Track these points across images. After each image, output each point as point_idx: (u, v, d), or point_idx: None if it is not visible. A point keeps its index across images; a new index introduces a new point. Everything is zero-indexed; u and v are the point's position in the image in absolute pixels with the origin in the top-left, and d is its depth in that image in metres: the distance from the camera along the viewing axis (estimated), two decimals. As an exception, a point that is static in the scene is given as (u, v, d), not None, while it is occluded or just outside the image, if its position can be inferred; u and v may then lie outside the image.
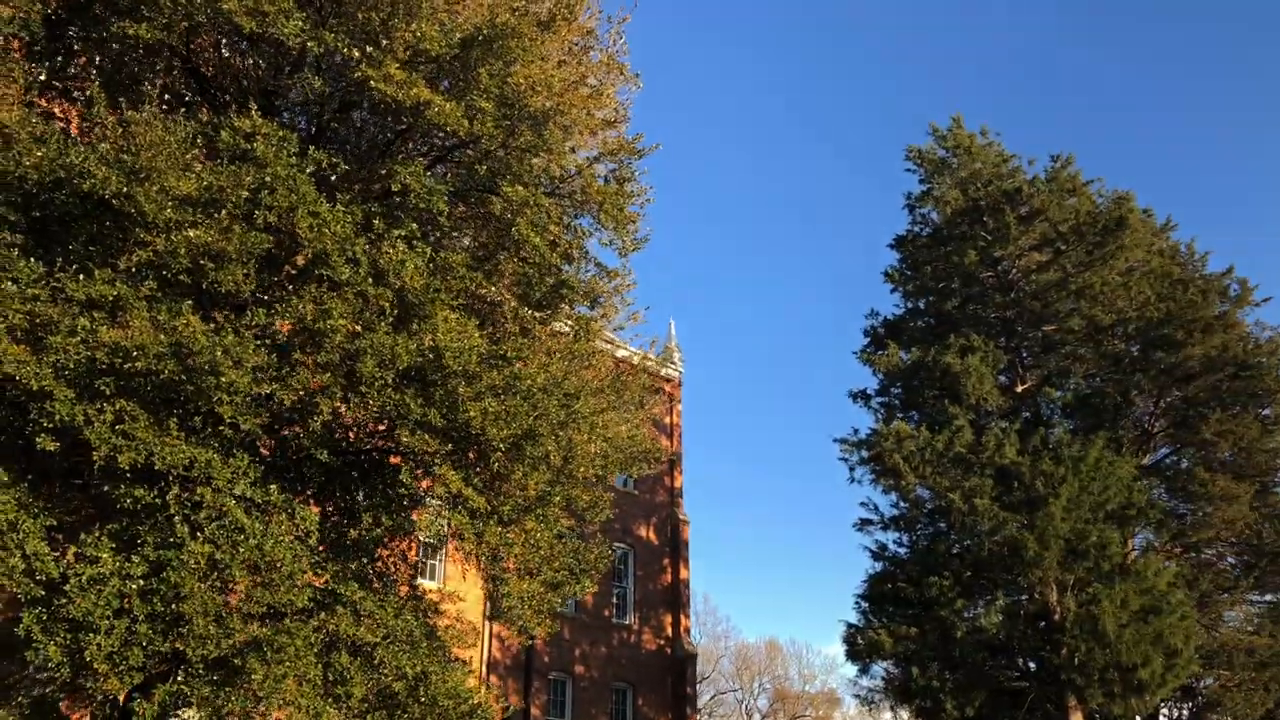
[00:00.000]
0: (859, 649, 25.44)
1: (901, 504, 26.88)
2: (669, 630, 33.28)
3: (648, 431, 18.52)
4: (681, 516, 35.15)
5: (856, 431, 27.90)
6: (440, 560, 26.78)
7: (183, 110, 13.67)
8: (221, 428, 11.91)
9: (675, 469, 35.60)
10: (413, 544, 17.15)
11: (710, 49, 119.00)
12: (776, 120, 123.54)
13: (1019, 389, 28.51)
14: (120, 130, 11.16)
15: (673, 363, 36.84)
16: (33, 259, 10.76)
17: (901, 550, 27.13)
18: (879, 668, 26.10)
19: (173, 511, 11.83)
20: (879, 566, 27.06)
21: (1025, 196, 29.04)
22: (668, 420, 35.85)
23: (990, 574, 25.04)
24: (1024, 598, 25.36)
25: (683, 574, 34.45)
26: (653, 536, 34.19)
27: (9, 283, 10.33)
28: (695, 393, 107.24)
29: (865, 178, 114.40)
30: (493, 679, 27.08)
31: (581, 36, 15.80)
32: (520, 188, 14.97)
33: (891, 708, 27.33)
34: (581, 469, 13.98)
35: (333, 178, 14.44)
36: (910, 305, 30.46)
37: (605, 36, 16.24)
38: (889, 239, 30.93)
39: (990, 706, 24.46)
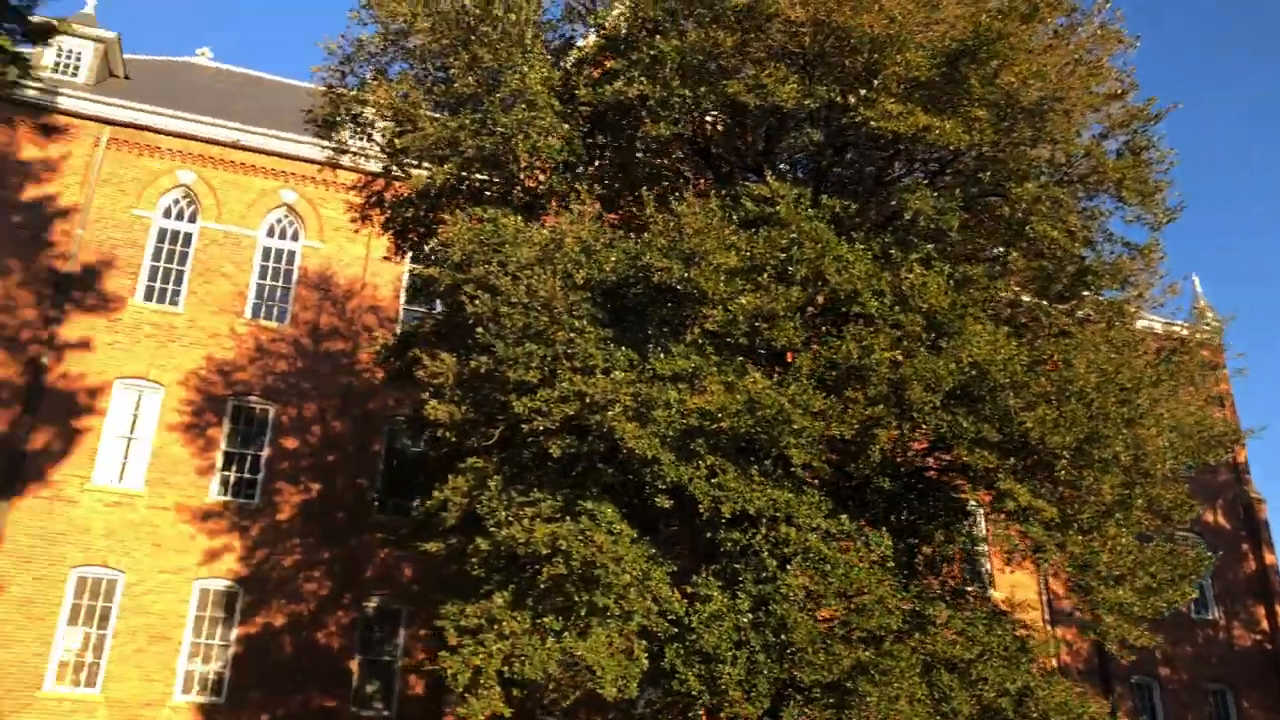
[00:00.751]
0: None
1: None
2: (1263, 623, 29.47)
3: (1213, 412, 16.77)
4: (1254, 495, 31.08)
5: None
6: (987, 570, 26.24)
7: (707, 191, 15.15)
8: (792, 469, 12.96)
9: (1236, 443, 31.53)
10: (960, 555, 17.08)
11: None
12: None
13: None
14: (672, 223, 12.74)
15: (1206, 323, 32.81)
16: (625, 347, 12.67)
17: None
18: None
19: (761, 549, 13.10)
20: None
21: None
22: (1215, 389, 31.93)
23: None
24: None
25: (1268, 559, 30.33)
26: (1221, 520, 30.60)
27: (616, 371, 12.25)
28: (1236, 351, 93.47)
29: None
30: (1068, 686, 25.88)
31: (1066, 14, 15.00)
32: (1029, 184, 14.56)
33: None
34: (1155, 466, 13.07)
35: (843, 217, 15.12)
36: None
37: (1090, 7, 15.27)
38: None
39: None
